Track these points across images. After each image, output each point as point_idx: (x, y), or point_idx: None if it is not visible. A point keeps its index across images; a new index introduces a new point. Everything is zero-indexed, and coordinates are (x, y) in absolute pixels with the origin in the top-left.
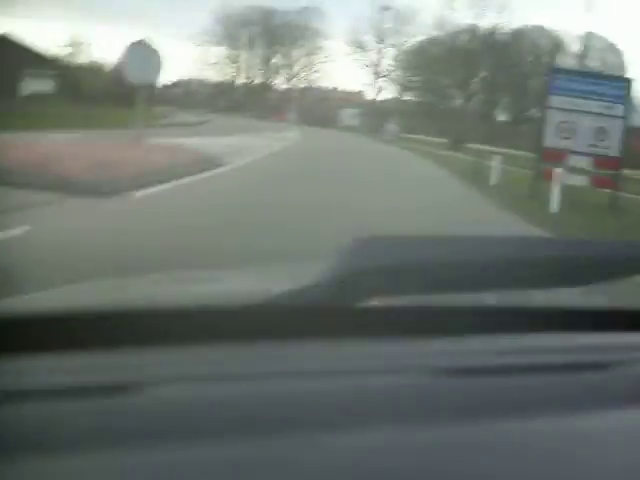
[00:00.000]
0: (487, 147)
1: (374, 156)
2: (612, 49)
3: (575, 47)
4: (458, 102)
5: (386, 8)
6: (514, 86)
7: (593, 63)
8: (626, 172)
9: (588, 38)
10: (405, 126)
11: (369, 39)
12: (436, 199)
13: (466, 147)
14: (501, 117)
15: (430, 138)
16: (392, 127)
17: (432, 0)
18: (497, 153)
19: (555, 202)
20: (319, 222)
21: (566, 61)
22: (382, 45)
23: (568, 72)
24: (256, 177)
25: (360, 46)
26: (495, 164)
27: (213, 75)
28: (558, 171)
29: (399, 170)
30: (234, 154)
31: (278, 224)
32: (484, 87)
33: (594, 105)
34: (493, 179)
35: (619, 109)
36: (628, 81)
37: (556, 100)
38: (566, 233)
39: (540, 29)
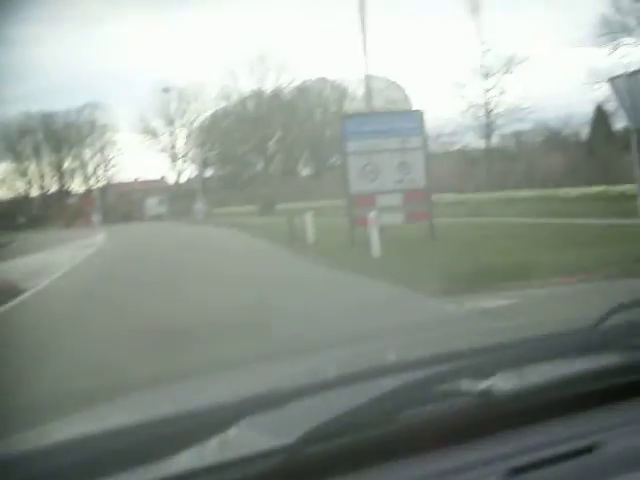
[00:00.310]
0: (298, 204)
1: (186, 241)
2: (394, 86)
3: (359, 91)
4: (260, 166)
5: (167, 90)
6: (310, 140)
7: (379, 102)
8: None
9: (369, 80)
10: (214, 202)
11: (158, 124)
12: (256, 271)
13: (277, 210)
14: (305, 172)
15: (241, 208)
16: (200, 206)
17: (213, 73)
18: (308, 208)
19: (375, 246)
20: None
21: (353, 105)
22: (172, 127)
23: (360, 116)
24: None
25: (151, 132)
26: (308, 220)
27: (3, 193)
28: (372, 216)
29: (215, 250)
30: (35, 275)
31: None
32: (282, 147)
33: (392, 142)
34: (310, 236)
35: (417, 141)
36: (419, 113)
37: (353, 145)
38: (389, 275)
39: (323, 80)
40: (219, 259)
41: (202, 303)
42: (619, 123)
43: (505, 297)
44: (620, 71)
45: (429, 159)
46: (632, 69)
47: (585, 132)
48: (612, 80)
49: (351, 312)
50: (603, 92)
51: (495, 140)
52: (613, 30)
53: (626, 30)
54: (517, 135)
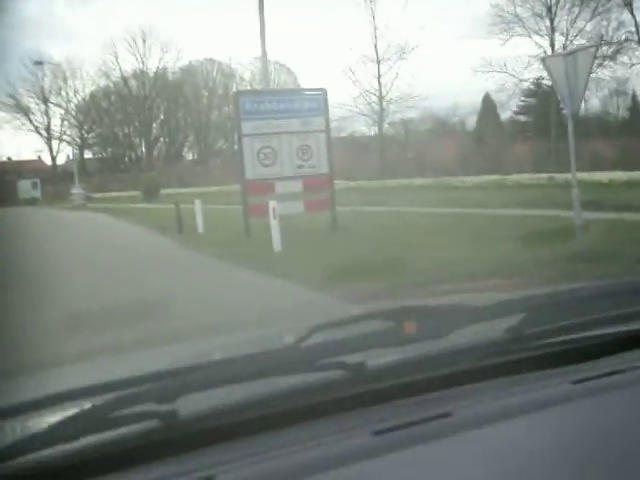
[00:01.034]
0: (184, 190)
1: (60, 231)
2: (284, 70)
3: (247, 74)
4: (143, 150)
5: (39, 63)
6: (195, 123)
7: (269, 86)
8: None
9: (257, 63)
10: (94, 186)
11: (30, 101)
12: (140, 265)
13: (161, 195)
14: (190, 156)
15: (123, 193)
16: (78, 190)
17: (91, 50)
18: (194, 194)
19: (276, 239)
20: None
21: (240, 88)
22: (47, 106)
23: (257, 94)
24: None
25: (22, 110)
26: (197, 208)
27: None
28: (272, 205)
29: (92, 240)
30: None
31: None
32: (165, 130)
33: (292, 124)
34: (199, 225)
35: (319, 123)
36: (324, 92)
37: (249, 126)
38: (294, 273)
39: (210, 61)
40: (96, 251)
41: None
42: (505, 113)
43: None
44: (512, 61)
45: (331, 143)
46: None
47: (471, 121)
48: (546, 60)
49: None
50: (493, 82)
51: (384, 127)
52: (506, 21)
53: (519, 21)
54: (405, 123)
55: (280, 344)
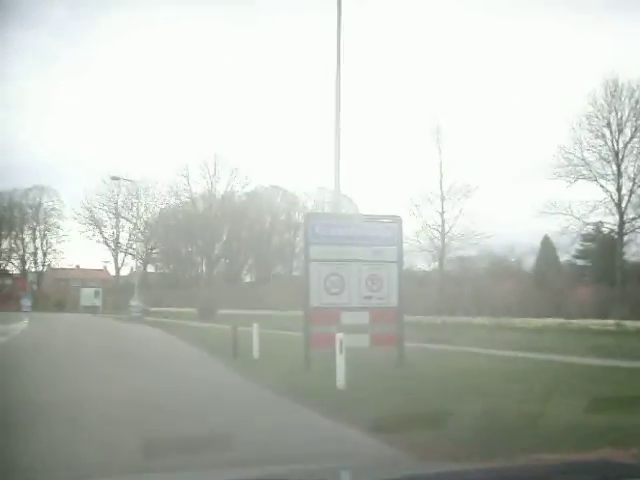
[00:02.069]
0: (240, 311)
1: (114, 345)
2: (346, 200)
3: (309, 202)
4: (203, 268)
5: (116, 178)
6: (256, 246)
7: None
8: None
9: (322, 192)
10: (152, 299)
11: (104, 214)
12: (190, 393)
13: (217, 314)
14: (247, 279)
15: (180, 309)
16: (136, 303)
17: (165, 171)
18: (250, 316)
19: (341, 375)
20: None
21: (302, 218)
22: (118, 219)
23: (329, 217)
24: None
25: (95, 222)
26: (255, 332)
27: None
28: (340, 336)
29: (144, 360)
30: None
31: None
32: (227, 251)
33: (363, 251)
34: (255, 351)
35: (392, 253)
36: (398, 221)
37: (317, 250)
38: (360, 418)
39: (275, 188)
40: (148, 372)
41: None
42: (563, 257)
43: None
44: (576, 204)
45: (403, 275)
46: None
47: (528, 262)
48: None
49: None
50: (557, 224)
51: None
52: (572, 164)
53: (586, 164)
54: (462, 260)
55: None
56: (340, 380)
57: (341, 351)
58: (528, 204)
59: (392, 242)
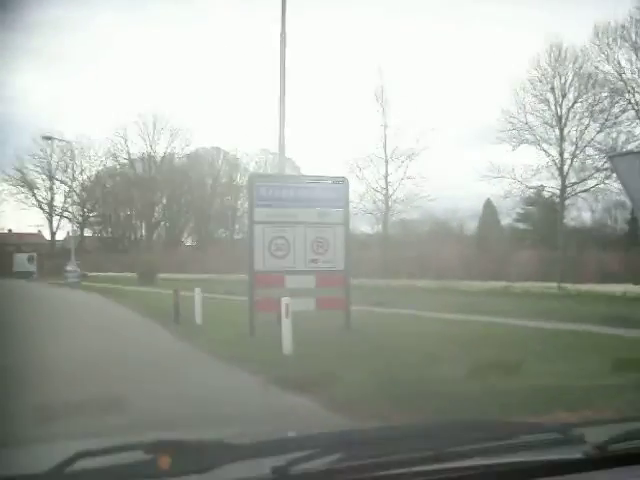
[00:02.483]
0: (180, 275)
1: (48, 308)
2: (289, 163)
3: (251, 164)
4: (143, 232)
5: (48, 138)
6: (197, 209)
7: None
8: None
9: (264, 154)
10: (90, 264)
11: (37, 175)
12: (128, 357)
13: (157, 278)
14: (188, 242)
15: (119, 274)
16: (73, 268)
17: (102, 131)
18: (191, 280)
19: (287, 341)
20: None
21: (244, 178)
22: (52, 181)
23: (274, 178)
24: None
25: (28, 184)
26: (197, 298)
27: None
28: (287, 300)
29: (80, 322)
30: None
31: None
32: (167, 214)
33: (309, 214)
34: (198, 317)
35: (338, 215)
36: (345, 181)
37: (262, 213)
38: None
39: (216, 149)
40: (83, 338)
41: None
42: (504, 220)
43: None
44: (520, 168)
45: (350, 238)
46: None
47: (470, 226)
48: (614, 159)
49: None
50: (500, 188)
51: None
52: (516, 127)
53: (529, 129)
54: (405, 223)
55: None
56: (287, 345)
57: (287, 315)
58: (470, 168)
59: (338, 204)
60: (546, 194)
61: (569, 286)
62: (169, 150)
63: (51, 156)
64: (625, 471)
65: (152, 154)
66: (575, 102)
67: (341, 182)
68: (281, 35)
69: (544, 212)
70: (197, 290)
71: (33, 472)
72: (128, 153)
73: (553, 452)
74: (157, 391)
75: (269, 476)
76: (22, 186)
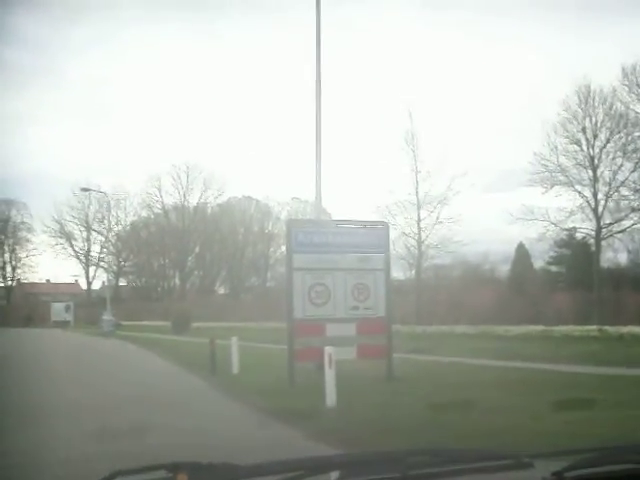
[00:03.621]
0: (214, 324)
1: (84, 361)
2: (322, 211)
3: (283, 213)
4: (176, 281)
5: (86, 190)
6: (229, 258)
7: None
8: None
9: (295, 202)
10: (125, 313)
11: (74, 227)
12: (165, 412)
13: (191, 327)
14: (221, 291)
15: (153, 322)
16: (108, 317)
17: (137, 182)
18: (225, 329)
19: (331, 393)
20: None
21: (276, 227)
22: (89, 232)
23: (312, 224)
24: None
25: (66, 235)
26: (234, 346)
27: None
28: (330, 350)
29: (116, 377)
30: None
31: None
32: (200, 263)
33: (349, 259)
34: (235, 367)
35: (379, 260)
36: (385, 226)
37: (301, 259)
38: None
39: (248, 199)
40: (118, 388)
41: None
42: (536, 263)
43: None
44: (553, 210)
45: (391, 283)
46: None
47: (502, 270)
48: None
49: None
50: (534, 230)
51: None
52: (548, 169)
53: (561, 170)
54: (437, 268)
55: None
56: (330, 397)
57: (330, 366)
58: (501, 212)
59: (379, 249)
60: (579, 236)
61: (609, 328)
62: (202, 200)
63: (88, 207)
64: None
65: (185, 204)
66: (607, 142)
67: (381, 227)
68: (316, 83)
69: (578, 254)
70: (234, 339)
71: None
72: (162, 203)
73: (510, 477)
74: (191, 443)
75: None
76: (60, 237)
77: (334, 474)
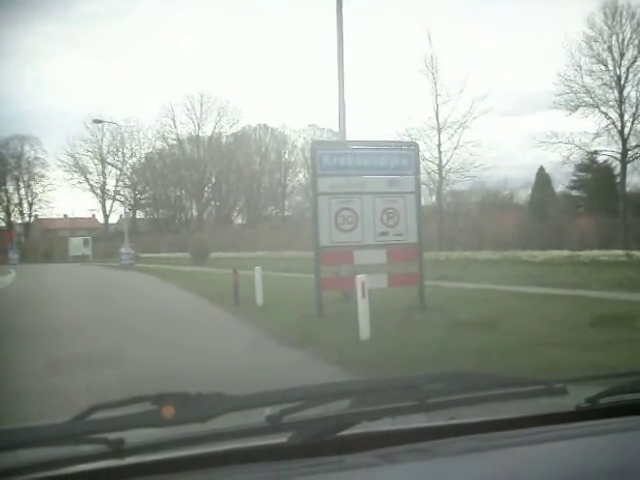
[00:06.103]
0: (232, 254)
1: (105, 294)
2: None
3: (299, 141)
4: (194, 212)
5: (98, 121)
6: (246, 188)
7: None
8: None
9: (312, 129)
10: (143, 246)
11: (89, 160)
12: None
13: (210, 258)
14: (238, 221)
15: (172, 254)
16: (127, 250)
17: (150, 113)
18: (244, 259)
19: (364, 324)
20: None
21: (292, 156)
22: (103, 165)
23: (337, 145)
24: None
25: (80, 169)
26: (258, 276)
27: None
28: (362, 278)
29: (135, 315)
30: None
31: None
32: (217, 193)
33: (377, 182)
34: (259, 298)
35: (409, 182)
36: (416, 147)
37: (326, 183)
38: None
39: (263, 127)
40: (146, 322)
41: None
42: (558, 187)
43: None
44: (577, 134)
45: (421, 208)
46: None
47: (521, 195)
48: None
49: None
50: (559, 154)
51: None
52: (573, 90)
53: (586, 91)
54: (455, 194)
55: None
56: (364, 329)
57: (364, 295)
58: (520, 136)
59: (409, 171)
60: (600, 159)
61: (637, 253)
62: (217, 130)
63: (102, 140)
64: (615, 423)
65: (200, 134)
66: (635, 61)
67: (411, 147)
68: (337, 5)
69: (599, 178)
70: (257, 269)
71: (54, 422)
72: (176, 134)
73: (540, 403)
74: (223, 381)
75: (262, 424)
76: (75, 171)
77: (343, 402)
